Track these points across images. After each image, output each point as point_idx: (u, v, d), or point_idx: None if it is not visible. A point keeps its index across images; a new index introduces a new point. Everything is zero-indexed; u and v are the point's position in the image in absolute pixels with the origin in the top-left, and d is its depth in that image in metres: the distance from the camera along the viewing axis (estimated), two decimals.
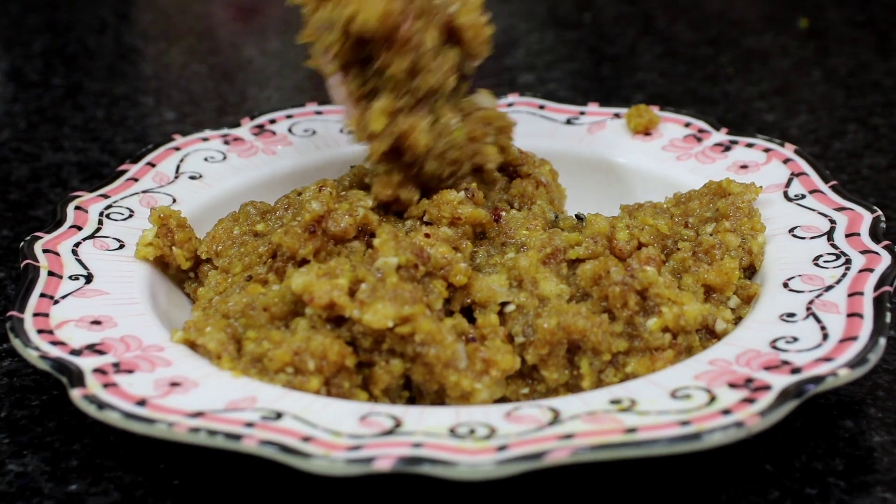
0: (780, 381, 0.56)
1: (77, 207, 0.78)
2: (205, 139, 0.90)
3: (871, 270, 0.66)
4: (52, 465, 0.61)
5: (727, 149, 0.86)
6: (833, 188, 0.77)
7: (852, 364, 0.57)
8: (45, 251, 0.72)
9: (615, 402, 0.57)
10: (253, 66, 1.43)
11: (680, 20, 1.58)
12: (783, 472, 0.59)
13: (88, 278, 0.70)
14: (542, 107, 0.96)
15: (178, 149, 0.89)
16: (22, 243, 0.72)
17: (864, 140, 1.09)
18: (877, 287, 0.64)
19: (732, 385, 0.57)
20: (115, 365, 0.60)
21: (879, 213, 0.72)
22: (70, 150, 1.11)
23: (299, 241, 0.67)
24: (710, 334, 0.66)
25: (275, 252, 0.70)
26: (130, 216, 0.79)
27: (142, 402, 0.57)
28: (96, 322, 0.65)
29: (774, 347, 0.60)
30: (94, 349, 0.62)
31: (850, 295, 0.63)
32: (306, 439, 0.53)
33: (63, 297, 0.67)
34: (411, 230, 0.71)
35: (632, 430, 0.53)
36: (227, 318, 0.66)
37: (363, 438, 0.54)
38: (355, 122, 0.73)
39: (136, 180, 0.83)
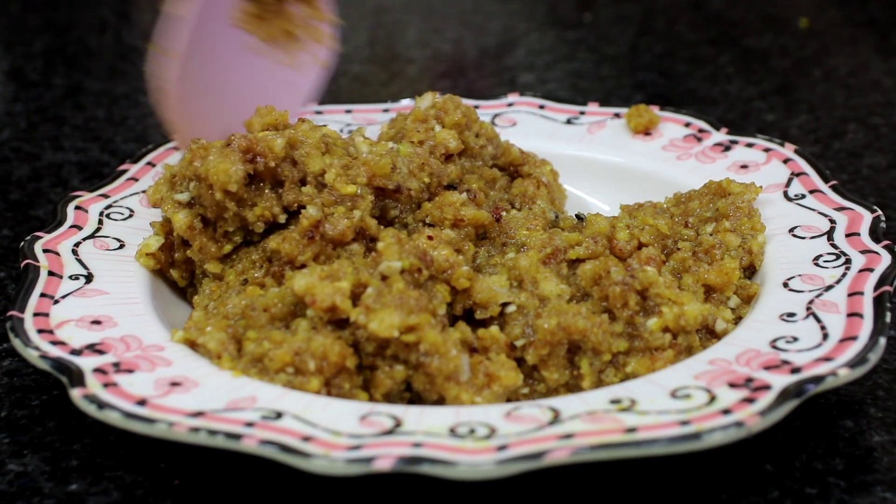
0: (780, 380, 0.56)
1: (77, 207, 0.78)
2: None
3: (871, 270, 0.66)
4: (52, 464, 0.61)
5: (727, 149, 0.86)
6: (833, 188, 0.77)
7: (852, 364, 0.57)
8: (45, 251, 0.72)
9: (615, 401, 0.57)
10: None
11: (680, 20, 1.58)
12: (783, 471, 0.59)
13: (88, 278, 0.70)
14: (542, 107, 0.96)
15: (178, 148, 0.89)
16: (22, 243, 0.72)
17: (864, 140, 1.09)
18: (877, 287, 0.64)
19: (732, 385, 0.57)
20: (116, 365, 0.60)
21: (879, 212, 0.72)
22: (70, 150, 1.11)
23: (297, 247, 0.67)
24: (710, 334, 0.66)
25: (270, 257, 0.70)
26: (131, 216, 0.79)
27: (142, 402, 0.57)
28: (96, 322, 0.65)
29: (774, 347, 0.60)
30: (94, 349, 0.62)
31: (850, 295, 0.64)
32: (306, 439, 0.53)
33: (63, 297, 0.67)
34: (413, 231, 0.71)
35: (632, 430, 0.53)
36: (227, 319, 0.65)
37: (363, 438, 0.54)
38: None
39: (136, 180, 0.83)
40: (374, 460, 0.52)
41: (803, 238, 0.72)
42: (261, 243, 0.71)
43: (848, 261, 0.68)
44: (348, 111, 0.97)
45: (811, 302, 0.64)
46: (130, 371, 0.60)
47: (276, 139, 0.69)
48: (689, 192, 0.79)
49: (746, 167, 0.82)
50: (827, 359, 0.58)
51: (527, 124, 0.94)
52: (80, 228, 0.76)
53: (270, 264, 0.70)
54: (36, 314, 0.65)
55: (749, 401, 0.55)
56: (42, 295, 0.67)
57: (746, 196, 0.75)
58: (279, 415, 0.56)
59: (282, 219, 0.70)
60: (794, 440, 0.62)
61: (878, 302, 0.62)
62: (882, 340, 0.59)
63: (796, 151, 0.83)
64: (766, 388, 0.56)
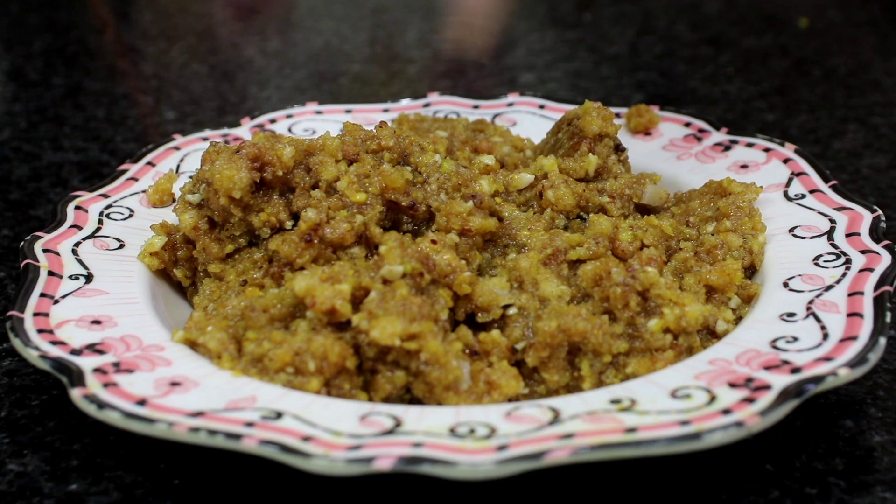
0: (781, 380, 0.56)
1: (77, 207, 0.78)
2: (205, 139, 0.90)
3: (872, 270, 0.66)
4: (52, 464, 0.61)
5: (727, 148, 0.86)
6: (833, 188, 0.77)
7: (852, 364, 0.57)
8: (45, 251, 0.72)
9: (615, 401, 0.57)
10: (253, 65, 1.43)
11: (680, 20, 1.58)
12: (783, 471, 0.59)
13: (88, 278, 0.70)
14: (542, 106, 0.96)
15: (178, 148, 0.89)
16: (22, 243, 0.72)
17: (864, 140, 1.09)
18: (877, 287, 0.64)
19: (732, 385, 0.57)
20: (116, 364, 0.60)
21: (879, 212, 0.72)
22: (70, 150, 1.11)
23: (296, 249, 0.67)
24: (711, 335, 0.65)
25: (271, 258, 0.70)
26: (130, 216, 0.79)
27: (142, 402, 0.57)
28: (96, 322, 0.65)
29: (774, 347, 0.60)
30: (94, 349, 0.62)
31: (851, 294, 0.63)
32: (306, 439, 0.53)
33: (63, 297, 0.67)
34: (419, 234, 0.71)
35: (632, 430, 0.53)
36: (227, 319, 0.65)
37: (363, 438, 0.54)
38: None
39: (136, 180, 0.83)
40: (374, 460, 0.52)
41: (803, 238, 0.72)
42: (263, 245, 0.71)
43: (848, 261, 0.67)
44: (348, 111, 0.97)
45: (811, 302, 0.64)
46: (130, 371, 0.60)
47: (285, 148, 0.69)
48: (689, 192, 0.79)
49: (746, 167, 0.82)
50: (827, 359, 0.58)
51: (527, 124, 0.94)
52: (80, 228, 0.76)
53: (270, 265, 0.70)
54: (36, 314, 0.65)
55: (749, 401, 0.55)
56: (42, 295, 0.67)
57: (747, 196, 0.75)
58: (279, 415, 0.56)
59: (288, 224, 0.70)
60: (794, 440, 0.62)
61: (879, 302, 0.62)
62: (882, 340, 0.59)
63: (796, 151, 0.83)
64: (767, 388, 0.56)
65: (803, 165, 0.80)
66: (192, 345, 0.64)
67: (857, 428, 0.63)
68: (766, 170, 0.81)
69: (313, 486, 0.57)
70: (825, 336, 0.60)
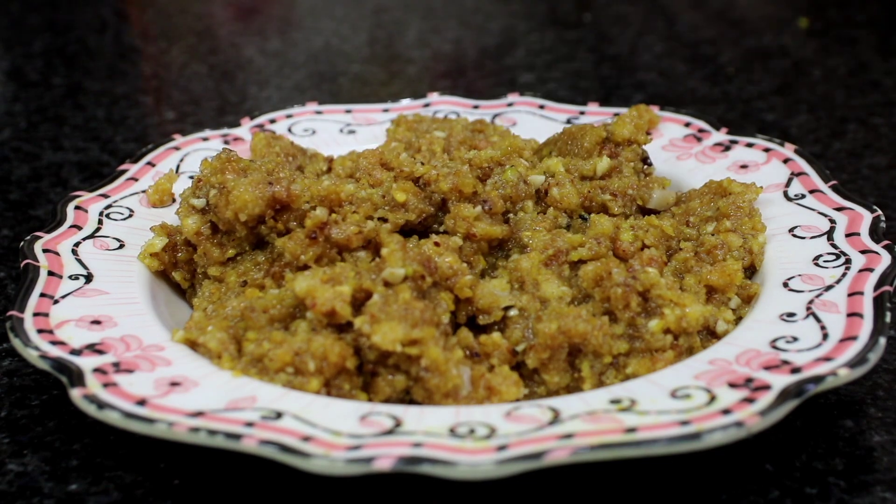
0: (780, 380, 0.56)
1: (77, 207, 0.78)
2: (205, 139, 0.91)
3: (871, 270, 0.65)
4: (52, 464, 0.61)
5: (727, 148, 0.86)
6: (833, 188, 0.77)
7: (852, 364, 0.57)
8: (45, 251, 0.72)
9: (615, 401, 0.57)
10: (253, 66, 1.43)
11: (680, 20, 1.58)
12: (783, 471, 0.59)
13: (88, 278, 0.70)
14: (542, 106, 0.96)
15: (178, 148, 0.89)
16: (22, 243, 0.72)
17: (864, 140, 1.09)
18: (877, 287, 0.64)
19: (732, 385, 0.57)
20: (115, 364, 0.60)
21: (879, 212, 0.72)
22: (70, 150, 1.11)
23: (301, 246, 0.67)
24: (711, 335, 0.65)
25: (274, 258, 0.70)
26: (130, 216, 0.79)
27: (142, 402, 0.57)
28: (96, 322, 0.65)
29: (774, 347, 0.60)
30: (94, 349, 0.62)
31: (850, 294, 0.63)
32: (306, 439, 0.53)
33: (63, 297, 0.67)
34: (423, 236, 0.71)
35: (632, 430, 0.53)
36: (227, 320, 0.65)
37: (363, 438, 0.54)
38: None
39: (136, 180, 0.83)
40: (374, 460, 0.52)
41: (803, 238, 0.72)
42: (269, 246, 0.71)
43: (848, 261, 0.67)
44: (348, 111, 0.97)
45: (811, 302, 0.64)
46: (130, 371, 0.60)
47: (316, 210, 0.68)
48: (689, 192, 0.79)
49: (746, 167, 0.82)
50: (827, 359, 0.58)
51: (527, 124, 0.94)
52: (79, 228, 0.76)
53: (271, 265, 0.70)
54: (36, 314, 0.65)
55: (749, 401, 0.55)
56: (42, 295, 0.67)
57: (747, 196, 0.75)
58: (279, 415, 0.56)
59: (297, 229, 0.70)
60: (794, 440, 0.62)
61: (878, 302, 0.62)
62: (882, 340, 0.59)
63: (796, 151, 0.83)
64: (766, 388, 0.56)
65: (803, 165, 0.80)
66: (193, 345, 0.64)
67: (857, 428, 0.63)
68: (766, 170, 0.81)
69: (313, 486, 0.57)
70: (825, 336, 0.60)
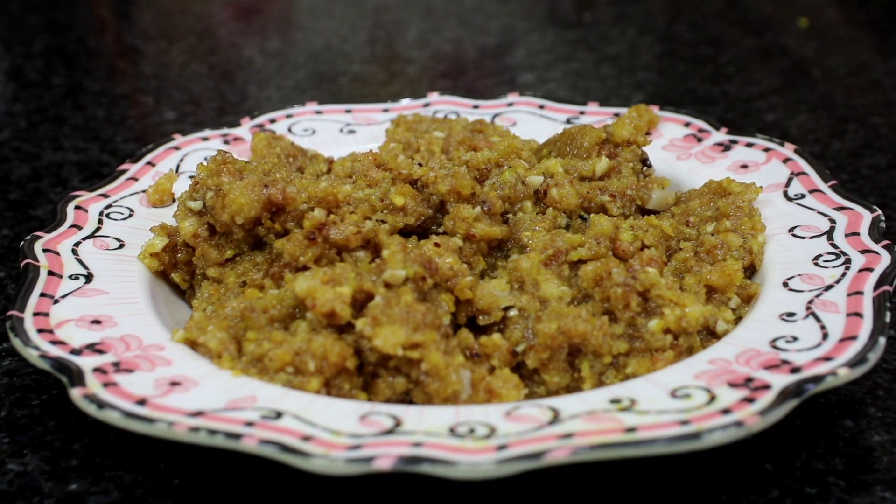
0: (780, 380, 0.56)
1: (77, 207, 0.78)
2: (205, 139, 0.91)
3: (871, 270, 0.65)
4: (52, 464, 0.61)
5: (727, 148, 0.86)
6: (833, 188, 0.77)
7: (852, 363, 0.57)
8: (45, 251, 0.72)
9: (615, 401, 0.57)
10: (253, 65, 1.43)
11: (680, 20, 1.58)
12: (783, 471, 0.59)
13: (88, 278, 0.70)
14: (542, 106, 0.96)
15: (178, 148, 0.89)
16: (22, 243, 0.72)
17: (864, 140, 1.09)
18: (876, 286, 0.64)
19: (732, 384, 0.57)
20: (115, 364, 0.60)
21: (879, 212, 0.72)
22: (70, 150, 1.11)
23: (300, 247, 0.67)
24: (711, 335, 0.65)
25: (272, 259, 0.70)
26: (130, 216, 0.79)
27: (142, 402, 0.57)
28: (96, 321, 0.65)
29: (774, 347, 0.60)
30: (94, 348, 0.62)
31: (850, 294, 0.63)
32: (306, 438, 0.53)
33: (63, 297, 0.67)
34: (422, 237, 0.71)
35: (631, 430, 0.53)
36: (227, 320, 0.65)
37: (363, 438, 0.54)
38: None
39: (136, 180, 0.83)
40: (374, 460, 0.52)
41: (803, 238, 0.72)
42: (267, 247, 0.71)
43: (848, 260, 0.67)
44: (348, 111, 0.97)
45: (811, 301, 0.64)
46: (130, 371, 0.60)
47: (314, 211, 0.68)
48: (689, 192, 0.79)
49: (746, 167, 0.82)
50: (827, 358, 0.58)
51: (527, 124, 0.94)
52: (79, 228, 0.76)
53: (271, 266, 0.70)
54: (36, 314, 0.65)
55: (749, 400, 0.55)
56: (42, 294, 0.67)
57: (747, 196, 0.75)
58: (279, 414, 0.56)
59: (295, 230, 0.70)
60: (794, 440, 0.62)
61: (878, 302, 0.62)
62: (882, 340, 0.59)
63: (796, 151, 0.83)
64: (766, 387, 0.56)
65: (803, 165, 0.80)
66: (193, 344, 0.64)
67: (856, 428, 0.63)
68: (765, 170, 0.81)
69: (313, 485, 0.57)
70: (825, 336, 0.60)
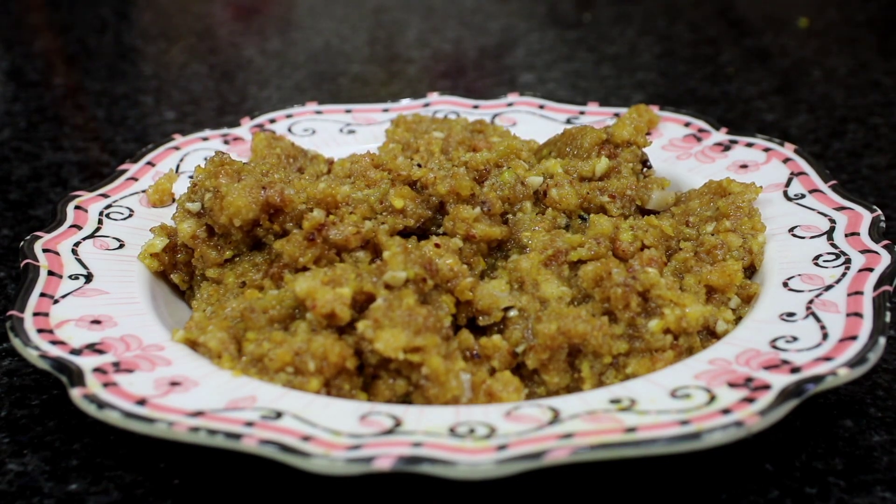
0: (780, 380, 0.56)
1: (77, 207, 0.78)
2: (205, 139, 0.91)
3: (871, 270, 0.65)
4: (52, 464, 0.61)
5: (727, 148, 0.86)
6: (833, 188, 0.77)
7: (852, 363, 0.57)
8: (44, 250, 0.72)
9: (615, 401, 0.57)
10: (253, 65, 1.43)
11: (680, 20, 1.58)
12: (783, 471, 0.59)
13: (88, 278, 0.70)
14: (542, 106, 0.96)
15: (177, 148, 0.89)
16: (22, 243, 0.72)
17: (864, 140, 1.09)
18: (876, 286, 0.64)
19: (732, 384, 0.57)
20: (115, 364, 0.60)
21: (879, 212, 0.72)
22: (70, 150, 1.11)
23: (299, 248, 0.67)
24: (711, 335, 0.65)
25: (272, 259, 0.70)
26: (130, 216, 0.79)
27: (142, 402, 0.57)
28: (96, 321, 0.65)
29: (774, 347, 0.60)
30: (94, 348, 0.62)
31: (850, 294, 0.63)
32: (306, 438, 0.53)
33: (63, 297, 0.67)
34: (422, 237, 0.70)
35: (631, 430, 0.53)
36: (227, 320, 0.65)
37: (363, 438, 0.54)
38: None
39: (136, 180, 0.83)
40: (374, 460, 0.52)
41: (803, 238, 0.72)
42: (266, 247, 0.71)
43: (848, 260, 0.67)
44: (348, 111, 0.97)
45: (811, 301, 0.64)
46: (130, 371, 0.60)
47: (310, 212, 0.68)
48: (689, 192, 0.79)
49: (746, 167, 0.82)
50: (827, 358, 0.58)
51: (527, 124, 0.94)
52: (79, 228, 0.76)
53: (270, 266, 0.70)
54: (36, 314, 0.65)
55: (749, 400, 0.55)
56: (42, 294, 0.67)
57: (747, 196, 0.75)
58: (279, 414, 0.56)
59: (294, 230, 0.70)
60: (794, 440, 0.62)
61: (878, 301, 0.62)
62: (882, 340, 0.59)
63: (796, 151, 0.83)
64: (766, 387, 0.56)
65: (803, 165, 0.80)
66: (193, 344, 0.64)
67: (856, 428, 0.63)
68: (765, 170, 0.81)
69: (313, 485, 0.57)
70: (825, 336, 0.60)
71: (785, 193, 0.78)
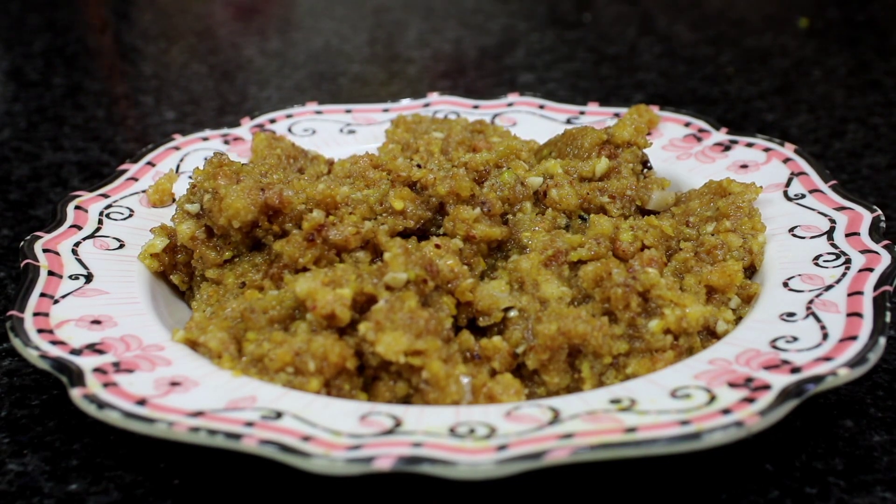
0: (780, 380, 0.56)
1: (77, 207, 0.78)
2: (205, 139, 0.91)
3: (871, 270, 0.65)
4: (53, 464, 0.61)
5: (727, 148, 0.86)
6: (833, 188, 0.77)
7: (852, 363, 0.57)
8: (45, 251, 0.72)
9: (615, 401, 0.57)
10: (253, 66, 1.43)
11: (680, 20, 1.58)
12: (783, 471, 0.59)
13: (88, 278, 0.70)
14: (542, 106, 0.96)
15: (178, 148, 0.89)
16: (22, 243, 0.72)
17: (864, 140, 1.09)
18: (877, 286, 0.64)
19: (732, 384, 0.57)
20: (115, 364, 0.60)
21: (879, 212, 0.72)
22: (70, 150, 1.11)
23: (299, 249, 0.67)
24: (711, 335, 0.65)
25: (272, 260, 0.70)
26: (130, 216, 0.79)
27: (142, 402, 0.57)
28: (96, 321, 0.65)
29: (774, 347, 0.60)
30: (94, 348, 0.62)
31: (850, 294, 0.63)
32: (306, 439, 0.53)
33: (63, 297, 0.67)
34: (422, 238, 0.70)
35: (631, 430, 0.53)
36: (227, 321, 0.65)
37: (363, 438, 0.54)
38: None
39: (136, 180, 0.83)
40: (374, 460, 0.52)
41: (803, 238, 0.72)
42: (266, 248, 0.71)
43: (848, 260, 0.67)
44: (348, 111, 0.97)
45: (811, 302, 0.64)
46: (130, 371, 0.60)
47: (310, 213, 0.68)
48: (689, 192, 0.79)
49: (746, 167, 0.82)
50: (827, 358, 0.58)
51: (527, 124, 0.94)
52: (79, 228, 0.76)
53: (270, 266, 0.70)
54: (36, 314, 0.65)
55: (749, 400, 0.55)
56: (42, 295, 0.67)
57: (747, 196, 0.75)
58: (279, 414, 0.56)
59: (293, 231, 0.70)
60: (794, 440, 0.62)
61: (878, 302, 0.62)
62: (882, 340, 0.59)
63: (796, 151, 0.83)
64: (766, 387, 0.56)
65: (803, 165, 0.80)
66: (193, 344, 0.64)
67: (856, 428, 0.63)
68: (765, 170, 0.81)
69: (313, 486, 0.57)
70: (825, 336, 0.60)
71: (785, 193, 0.78)
